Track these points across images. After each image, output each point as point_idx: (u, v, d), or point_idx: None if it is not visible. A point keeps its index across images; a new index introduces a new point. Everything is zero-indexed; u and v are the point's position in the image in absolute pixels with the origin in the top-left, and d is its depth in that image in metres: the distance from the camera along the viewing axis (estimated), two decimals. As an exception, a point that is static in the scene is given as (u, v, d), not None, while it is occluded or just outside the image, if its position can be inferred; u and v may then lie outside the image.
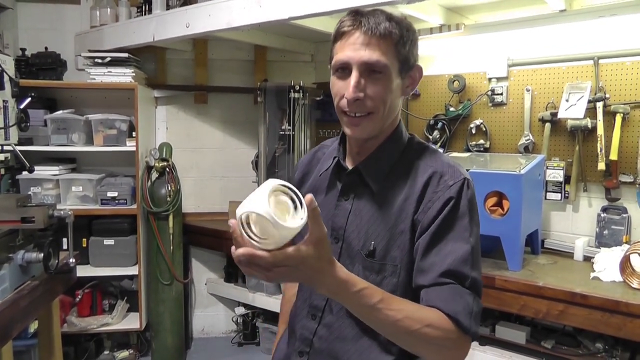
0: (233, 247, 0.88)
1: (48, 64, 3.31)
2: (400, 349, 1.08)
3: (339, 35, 1.12)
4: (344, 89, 1.10)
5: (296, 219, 0.85)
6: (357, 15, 1.10)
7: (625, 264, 2.14)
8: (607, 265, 2.26)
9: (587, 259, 2.49)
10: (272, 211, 0.81)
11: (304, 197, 0.87)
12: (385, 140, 1.19)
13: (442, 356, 1.03)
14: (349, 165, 1.22)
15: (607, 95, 2.49)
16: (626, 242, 2.44)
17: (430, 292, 1.04)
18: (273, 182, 0.87)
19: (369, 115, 1.12)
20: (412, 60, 1.14)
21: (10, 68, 1.91)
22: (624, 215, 2.51)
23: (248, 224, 0.86)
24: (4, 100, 1.86)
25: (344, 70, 1.11)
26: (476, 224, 1.10)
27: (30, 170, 2.12)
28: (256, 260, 0.85)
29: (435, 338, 0.99)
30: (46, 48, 3.39)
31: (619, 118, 2.44)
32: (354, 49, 1.08)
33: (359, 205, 1.17)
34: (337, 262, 0.95)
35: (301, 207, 0.86)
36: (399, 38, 1.09)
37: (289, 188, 0.88)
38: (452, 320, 1.00)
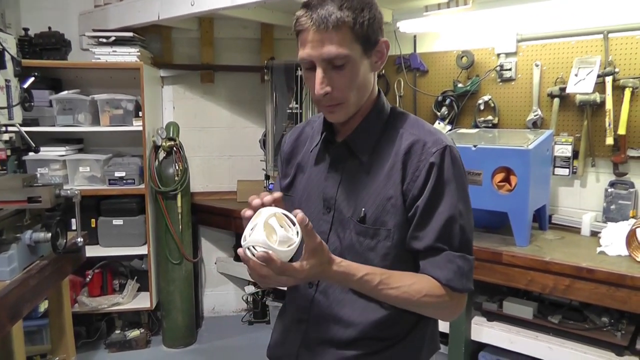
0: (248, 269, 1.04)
1: (52, 43, 3.28)
2: None
3: (297, 33, 1.13)
4: (313, 84, 1.13)
5: (291, 238, 1.00)
6: (307, 9, 1.10)
7: (631, 238, 2.13)
8: (613, 239, 2.25)
9: (594, 234, 2.48)
10: (267, 241, 0.97)
11: (297, 213, 0.99)
12: (369, 113, 1.23)
13: (441, 313, 1.20)
14: (338, 137, 1.26)
15: (617, 70, 2.45)
16: (633, 217, 2.43)
17: (426, 261, 1.15)
18: (267, 213, 1.00)
19: (340, 104, 1.16)
20: (374, 37, 1.14)
21: (11, 47, 1.90)
22: (631, 190, 2.49)
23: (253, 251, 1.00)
24: (6, 80, 1.85)
25: (309, 65, 1.13)
26: (462, 187, 1.16)
27: (36, 151, 2.12)
28: (271, 263, 0.97)
29: (433, 303, 1.14)
30: (49, 28, 3.36)
31: (628, 92, 2.41)
32: (312, 47, 1.10)
33: (349, 175, 1.22)
34: (335, 259, 1.07)
35: (294, 225, 1.01)
36: (354, 23, 1.08)
37: (283, 213, 1.02)
38: (445, 286, 1.13)
